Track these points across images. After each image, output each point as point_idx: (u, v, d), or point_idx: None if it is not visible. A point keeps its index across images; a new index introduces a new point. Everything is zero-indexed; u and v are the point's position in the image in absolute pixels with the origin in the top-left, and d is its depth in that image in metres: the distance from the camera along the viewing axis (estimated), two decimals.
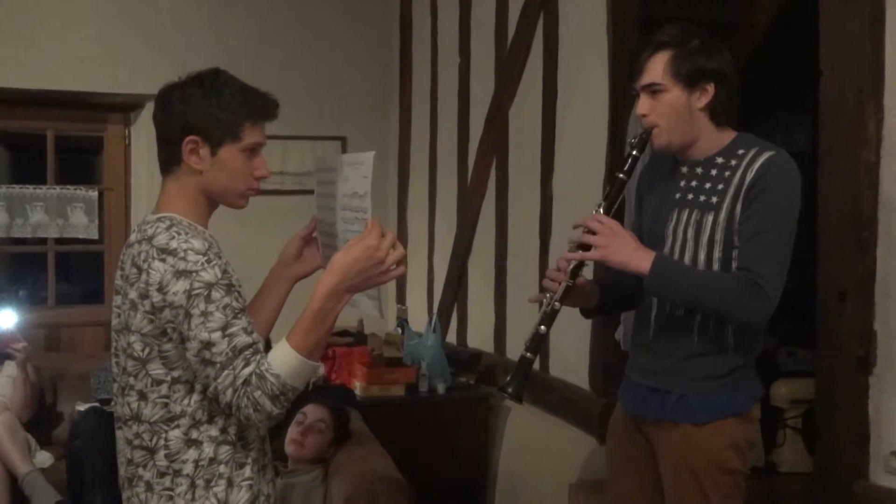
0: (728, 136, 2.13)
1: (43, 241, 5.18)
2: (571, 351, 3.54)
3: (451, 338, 4.68)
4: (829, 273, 2.45)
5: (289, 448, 3.14)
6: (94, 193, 5.17)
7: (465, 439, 4.08)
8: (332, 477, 3.09)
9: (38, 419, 4.10)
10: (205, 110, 1.72)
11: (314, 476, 3.11)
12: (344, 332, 4.55)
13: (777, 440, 3.70)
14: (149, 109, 5.04)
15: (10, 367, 4.07)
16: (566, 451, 3.51)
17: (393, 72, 5.55)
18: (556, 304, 2.11)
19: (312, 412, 3.20)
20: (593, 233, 2.06)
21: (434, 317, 4.48)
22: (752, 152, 2.06)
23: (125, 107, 5.20)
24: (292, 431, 3.16)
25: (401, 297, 5.33)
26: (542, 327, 2.12)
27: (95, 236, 5.16)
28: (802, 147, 4.69)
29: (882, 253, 2.33)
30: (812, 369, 2.65)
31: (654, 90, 2.09)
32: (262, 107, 1.77)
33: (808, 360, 3.41)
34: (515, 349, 4.16)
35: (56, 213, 5.08)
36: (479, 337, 4.44)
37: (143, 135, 5.14)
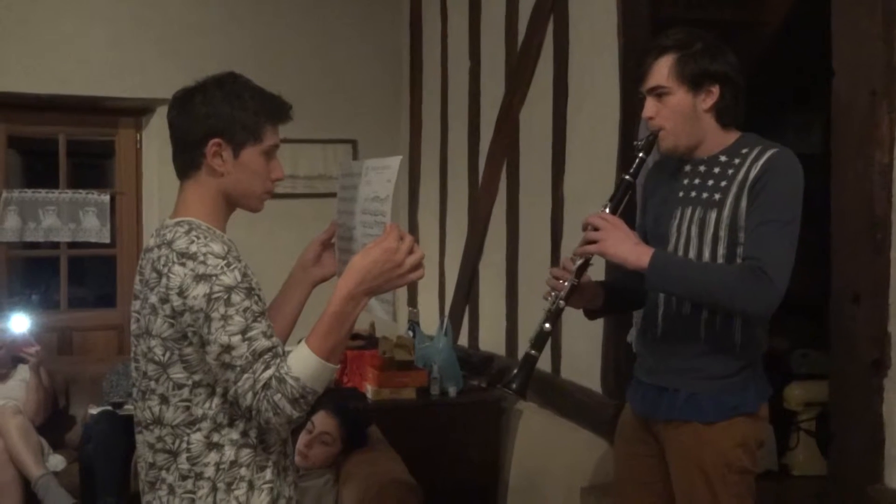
0: (733, 136, 2.16)
1: (55, 245, 5.21)
2: (583, 354, 3.53)
3: (463, 340, 4.68)
4: (842, 275, 2.44)
5: (295, 457, 3.11)
6: (105, 197, 5.19)
7: (476, 442, 4.07)
8: (343, 480, 3.09)
9: (51, 423, 4.12)
10: (228, 113, 1.73)
11: (326, 480, 3.11)
12: (355, 336, 4.55)
13: (790, 443, 3.68)
14: (160, 114, 5.06)
15: (23, 371, 4.09)
16: (578, 454, 3.49)
17: (403, 75, 5.55)
18: (561, 302, 2.13)
19: (320, 423, 3.15)
20: (596, 229, 2.08)
21: (445, 319, 4.47)
22: (757, 150, 2.09)
23: (136, 111, 5.23)
24: (299, 440, 3.13)
25: (412, 300, 5.33)
26: (547, 325, 2.14)
27: (107, 240, 5.18)
28: (815, 148, 4.66)
29: None
30: (826, 372, 2.64)
31: (659, 93, 2.13)
32: (279, 109, 1.79)
33: (821, 362, 3.40)
34: None
35: (68, 217, 5.11)
36: (491, 340, 4.43)
37: (154, 139, 5.16)
